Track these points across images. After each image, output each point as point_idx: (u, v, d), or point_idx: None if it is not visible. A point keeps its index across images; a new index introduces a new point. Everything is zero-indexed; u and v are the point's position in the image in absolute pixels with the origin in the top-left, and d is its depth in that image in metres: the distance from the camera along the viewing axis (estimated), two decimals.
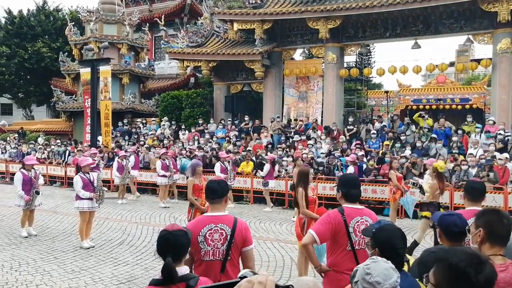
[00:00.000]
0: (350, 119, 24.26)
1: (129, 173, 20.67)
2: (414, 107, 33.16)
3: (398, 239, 3.74)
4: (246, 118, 26.60)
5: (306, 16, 24.07)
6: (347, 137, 22.35)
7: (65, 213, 16.95)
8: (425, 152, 18.94)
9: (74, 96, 35.38)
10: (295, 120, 25.62)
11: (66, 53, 35.54)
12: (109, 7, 33.68)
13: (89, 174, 12.15)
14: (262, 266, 10.21)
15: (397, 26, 23.73)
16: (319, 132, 22.94)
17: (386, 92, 33.96)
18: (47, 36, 43.61)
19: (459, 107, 32.72)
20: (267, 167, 18.87)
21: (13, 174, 14.69)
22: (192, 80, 35.33)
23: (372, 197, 17.49)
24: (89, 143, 25.06)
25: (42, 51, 41.95)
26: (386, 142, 20.51)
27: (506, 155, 16.75)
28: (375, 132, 21.84)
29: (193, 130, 26.67)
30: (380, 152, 19.81)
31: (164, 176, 19.51)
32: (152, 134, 27.85)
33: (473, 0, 20.77)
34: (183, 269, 3.65)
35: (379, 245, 3.74)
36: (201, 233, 4.70)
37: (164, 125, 28.38)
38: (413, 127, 21.57)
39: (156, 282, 3.53)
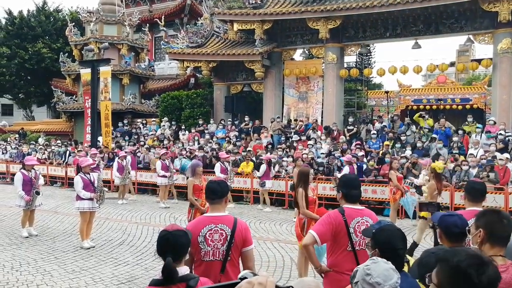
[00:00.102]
0: (350, 119, 24.24)
1: (129, 173, 20.69)
2: (415, 107, 33.14)
3: (398, 239, 3.73)
4: (246, 118, 26.60)
5: (306, 16, 24.06)
6: (347, 138, 22.34)
7: (66, 213, 16.95)
8: (425, 152, 18.93)
9: (74, 96, 35.42)
10: (295, 120, 25.61)
11: (67, 53, 35.55)
12: (109, 7, 33.70)
13: (89, 174, 12.16)
14: (262, 266, 10.20)
15: (397, 26, 23.72)
16: (319, 133, 22.94)
17: (387, 92, 33.93)
18: (47, 37, 43.66)
19: (460, 107, 32.71)
20: (263, 167, 18.87)
21: (14, 174, 14.68)
22: (192, 80, 35.35)
23: (372, 198, 17.48)
24: (90, 144, 25.05)
25: (42, 52, 41.98)
26: (386, 142, 20.49)
27: (506, 155, 16.72)
28: (375, 132, 21.82)
29: (193, 131, 26.66)
30: (380, 152, 19.82)
31: (164, 176, 19.50)
32: (152, 134, 27.85)
33: (474, 0, 20.77)
34: (183, 270, 3.65)
35: (379, 245, 3.74)
36: (201, 234, 4.71)
37: (164, 125, 28.39)
38: (413, 127, 21.55)
39: (156, 282, 3.53)
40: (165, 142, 25.39)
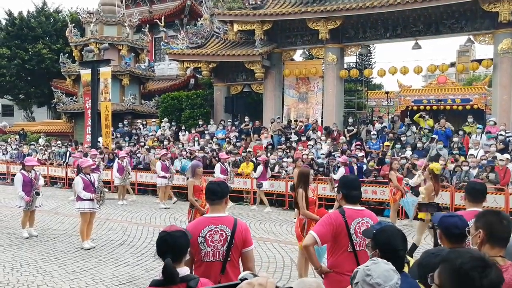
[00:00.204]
0: (350, 119, 24.22)
1: (129, 174, 20.70)
2: (415, 107, 33.10)
3: (398, 240, 3.73)
4: (246, 119, 26.59)
5: (306, 17, 24.06)
6: (347, 138, 22.33)
7: (66, 214, 16.97)
8: (425, 153, 18.90)
9: (74, 97, 35.43)
10: (295, 121, 25.60)
11: (67, 54, 35.61)
12: (109, 8, 33.74)
13: (90, 175, 12.17)
14: (262, 267, 10.21)
15: (397, 26, 23.71)
16: (319, 133, 22.93)
17: (387, 92, 33.90)
18: (47, 38, 43.66)
19: (460, 107, 32.67)
20: (260, 168, 18.88)
21: (14, 175, 14.67)
22: (192, 81, 35.37)
23: (373, 198, 17.47)
24: (90, 144, 25.07)
25: (42, 53, 41.99)
26: (386, 143, 20.49)
27: (507, 155, 16.70)
28: (375, 133, 21.82)
29: (193, 131, 26.68)
30: (380, 153, 19.81)
31: (164, 177, 19.50)
32: (152, 135, 27.88)
33: (474, 0, 20.76)
34: (183, 270, 3.66)
35: (379, 246, 3.74)
36: (201, 234, 4.71)
37: (164, 126, 28.40)
38: (413, 128, 21.54)
39: (156, 283, 3.53)
40: (165, 142, 25.40)
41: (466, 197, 5.76)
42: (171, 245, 3.67)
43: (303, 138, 22.70)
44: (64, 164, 25.51)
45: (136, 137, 28.42)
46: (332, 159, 19.42)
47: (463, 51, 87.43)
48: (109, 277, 9.53)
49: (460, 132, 20.39)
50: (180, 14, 38.87)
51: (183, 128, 27.89)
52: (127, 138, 28.22)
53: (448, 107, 33.19)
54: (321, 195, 17.40)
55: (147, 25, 36.25)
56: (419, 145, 19.61)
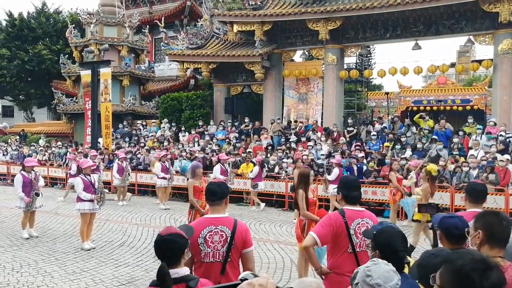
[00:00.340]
0: (350, 120, 24.22)
1: (129, 175, 20.71)
2: (415, 108, 33.08)
3: (398, 241, 3.73)
4: (246, 119, 26.60)
5: (306, 18, 24.07)
6: (347, 139, 22.32)
7: (66, 214, 16.96)
8: (425, 153, 18.89)
9: (74, 98, 35.44)
10: (295, 121, 25.59)
11: (67, 55, 35.67)
12: (109, 9, 33.77)
13: (90, 176, 12.18)
14: (262, 267, 10.20)
15: (397, 27, 23.71)
16: (319, 134, 22.92)
17: (387, 93, 33.88)
18: (47, 39, 43.63)
19: (460, 108, 32.66)
20: (256, 169, 18.89)
21: (15, 176, 14.67)
22: (192, 82, 35.37)
23: (373, 199, 17.47)
24: (90, 145, 25.09)
25: (42, 54, 41.98)
26: (386, 144, 20.48)
27: (507, 156, 16.68)
28: (375, 133, 21.83)
29: (193, 132, 26.69)
30: (380, 153, 19.79)
31: (164, 178, 19.50)
32: (152, 136, 27.90)
33: (474, 1, 20.76)
34: (183, 270, 3.66)
35: (379, 247, 3.74)
36: (201, 235, 4.71)
37: (164, 127, 28.41)
38: (413, 129, 21.52)
39: (156, 283, 3.53)
40: (165, 143, 25.42)
41: (467, 198, 5.75)
42: (163, 250, 3.67)
43: (303, 139, 22.68)
44: (64, 165, 25.49)
45: (136, 138, 28.44)
46: (332, 160, 19.42)
47: (463, 52, 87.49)
48: (109, 277, 9.53)
49: (460, 133, 20.38)
50: (180, 15, 38.88)
51: (183, 129, 27.90)
52: (127, 139, 28.23)
53: (448, 108, 33.18)
54: (321, 196, 17.37)
55: (147, 26, 36.24)
56: (419, 145, 19.61)
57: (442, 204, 15.16)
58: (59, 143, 29.40)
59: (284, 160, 20.47)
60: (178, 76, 34.01)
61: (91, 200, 11.95)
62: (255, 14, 25.07)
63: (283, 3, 25.50)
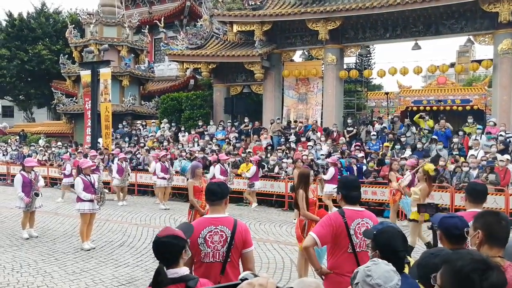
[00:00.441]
0: (350, 120, 24.23)
1: (128, 175, 20.72)
2: (415, 108, 33.07)
3: (399, 241, 3.72)
4: (246, 119, 26.61)
5: (306, 18, 24.07)
6: (347, 139, 22.32)
7: (66, 214, 16.97)
8: (425, 153, 18.90)
9: (74, 98, 35.45)
10: (295, 121, 25.58)
11: (67, 55, 35.68)
12: (109, 9, 33.77)
13: (90, 176, 12.18)
14: (262, 268, 10.20)
15: (397, 27, 23.71)
16: (318, 134, 22.92)
17: (386, 93, 33.90)
18: (47, 39, 43.61)
19: (460, 108, 32.65)
20: (253, 168, 18.88)
21: (15, 176, 14.68)
22: (192, 82, 35.39)
23: (372, 199, 17.47)
24: (90, 145, 25.09)
25: (42, 54, 41.98)
26: (386, 144, 20.47)
27: (507, 156, 16.68)
28: (375, 133, 21.84)
29: (193, 132, 26.69)
30: (380, 153, 19.79)
31: (163, 178, 19.50)
32: (152, 136, 27.91)
33: (474, 1, 20.76)
34: (182, 270, 3.66)
35: (380, 247, 3.74)
36: (201, 235, 4.71)
37: (164, 127, 28.41)
38: (413, 129, 21.50)
39: None
40: (165, 143, 25.42)
41: (467, 198, 5.75)
42: (162, 251, 3.68)
43: (303, 139, 22.68)
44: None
45: (136, 138, 28.45)
46: None
47: (463, 52, 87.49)
48: (109, 278, 9.53)
49: (460, 133, 20.37)
50: (179, 15, 38.90)
51: (182, 129, 27.88)
52: (127, 139, 28.23)
53: (448, 108, 33.16)
54: (321, 196, 17.37)
55: (147, 26, 36.23)
56: (419, 145, 19.60)
57: (442, 204, 15.16)
58: (59, 143, 29.42)
59: (284, 160, 20.46)
60: (177, 76, 34.05)
61: (91, 200, 11.96)
62: (255, 14, 25.07)
63: (282, 3, 25.50)
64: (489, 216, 3.62)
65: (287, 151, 21.49)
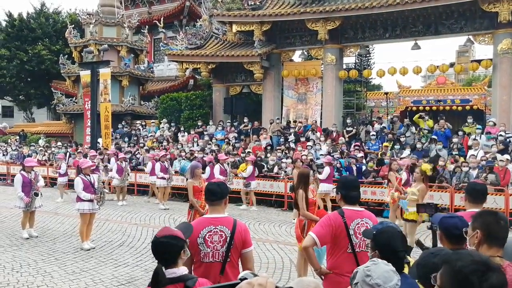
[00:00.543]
0: (349, 120, 24.24)
1: (128, 175, 20.72)
2: (414, 108, 33.01)
3: (398, 241, 3.72)
4: (245, 120, 26.62)
5: (305, 18, 24.06)
6: (346, 139, 22.33)
7: (66, 214, 16.98)
8: (425, 153, 18.89)
9: (74, 98, 35.47)
10: (294, 121, 25.58)
11: (66, 55, 35.70)
12: (109, 9, 33.77)
13: (89, 176, 12.18)
14: (262, 268, 10.20)
15: (396, 27, 23.71)
16: (318, 134, 22.92)
17: (386, 93, 33.90)
18: (47, 39, 43.64)
19: (460, 108, 32.58)
20: (250, 168, 18.89)
21: (14, 176, 14.69)
22: (191, 82, 35.38)
23: (372, 199, 17.47)
24: (89, 145, 25.10)
25: (42, 54, 41.99)
26: (385, 144, 20.45)
27: (507, 156, 16.68)
28: (374, 133, 21.84)
29: (192, 132, 26.68)
30: (380, 153, 19.79)
31: (163, 178, 19.50)
32: (151, 136, 27.92)
33: (474, 1, 20.76)
34: (180, 270, 3.67)
35: (379, 247, 3.74)
36: (200, 235, 4.72)
37: (163, 127, 28.39)
38: (413, 129, 21.50)
39: None
40: (164, 143, 25.43)
41: (466, 198, 5.75)
42: (160, 252, 3.69)
43: (302, 139, 22.68)
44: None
45: (135, 138, 28.46)
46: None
47: (462, 52, 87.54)
48: (108, 277, 9.53)
49: (460, 133, 20.36)
50: (179, 15, 38.90)
51: (182, 129, 27.88)
52: (126, 139, 28.24)
53: (447, 108, 33.11)
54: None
55: (146, 26, 36.20)
56: (418, 145, 19.57)
57: (442, 204, 15.16)
58: (59, 143, 29.45)
59: (283, 160, 20.47)
60: (177, 76, 34.05)
61: (91, 200, 11.96)
62: (254, 14, 25.07)
63: (282, 3, 25.50)
64: (488, 216, 3.62)
65: (287, 151, 21.49)
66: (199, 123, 27.66)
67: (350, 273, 3.31)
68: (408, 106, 34.33)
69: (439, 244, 4.32)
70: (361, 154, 19.61)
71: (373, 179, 17.95)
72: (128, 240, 13.02)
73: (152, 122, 30.25)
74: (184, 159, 21.37)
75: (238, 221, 4.97)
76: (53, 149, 27.98)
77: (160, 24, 31.80)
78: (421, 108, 32.41)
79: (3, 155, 30.14)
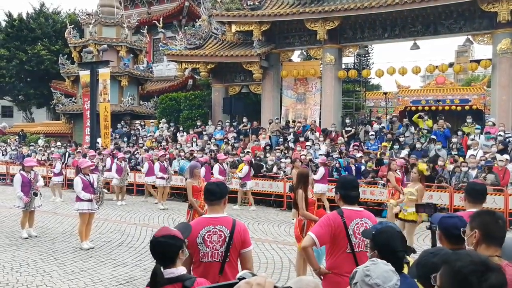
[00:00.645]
0: (348, 120, 24.26)
1: (127, 174, 20.72)
2: (413, 108, 33.03)
3: (397, 241, 3.71)
4: (244, 119, 26.64)
5: (304, 18, 24.07)
6: (345, 139, 22.34)
7: (65, 214, 16.97)
8: (424, 153, 18.89)
9: (73, 98, 35.52)
10: (293, 121, 25.60)
11: (66, 55, 35.71)
12: (108, 9, 33.78)
13: (89, 175, 12.19)
14: (261, 267, 10.20)
15: (395, 27, 23.71)
16: (317, 134, 22.92)
17: (385, 93, 33.90)
18: (46, 39, 43.61)
19: (459, 108, 32.60)
20: (245, 168, 18.92)
21: (14, 175, 14.70)
22: (190, 82, 35.41)
23: (371, 199, 17.47)
24: (89, 145, 25.11)
25: (41, 54, 41.97)
26: (384, 144, 20.43)
27: (506, 156, 16.69)
28: (373, 133, 21.84)
29: (191, 132, 26.69)
30: (379, 153, 19.79)
31: (162, 178, 19.50)
32: (150, 136, 27.93)
33: (473, 0, 20.76)
34: (179, 270, 3.67)
35: (378, 247, 3.73)
36: (199, 235, 4.72)
37: (162, 127, 28.39)
38: (412, 129, 21.50)
39: None
40: (163, 143, 25.43)
41: (466, 198, 5.74)
42: (157, 252, 3.69)
43: (301, 139, 22.70)
44: (63, 165, 25.53)
45: (134, 138, 28.47)
46: (330, 159, 19.43)
47: (461, 52, 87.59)
48: (107, 277, 9.53)
49: (459, 133, 20.36)
50: (178, 15, 38.93)
51: (181, 129, 27.88)
52: (125, 139, 28.25)
53: (446, 108, 33.12)
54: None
55: (146, 26, 36.19)
56: (417, 145, 19.58)
57: (441, 204, 15.16)
58: (58, 143, 29.46)
59: (282, 160, 20.48)
60: (176, 76, 34.06)
61: (90, 200, 11.97)
62: (253, 14, 25.08)
63: (281, 3, 25.50)
64: (486, 216, 3.62)
65: (286, 151, 21.50)
66: (198, 123, 27.66)
67: (349, 273, 3.31)
68: (407, 106, 34.33)
69: (439, 244, 4.32)
70: (360, 154, 19.61)
71: (372, 179, 17.95)
72: (127, 240, 13.02)
73: (151, 122, 30.25)
74: (183, 159, 21.37)
75: (237, 221, 4.97)
76: (52, 149, 27.98)
77: (159, 24, 31.83)
78: (420, 108, 32.41)
79: (3, 155, 30.16)
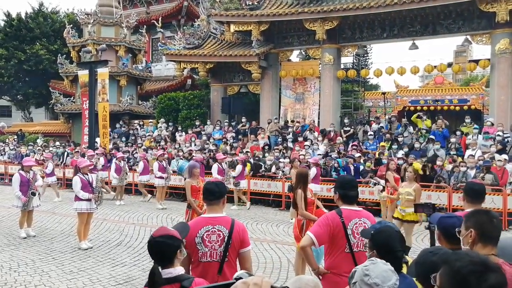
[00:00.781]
0: (347, 120, 24.27)
1: (126, 174, 20.72)
2: (412, 108, 33.02)
3: (396, 241, 3.71)
4: (243, 119, 26.63)
5: (303, 18, 24.07)
6: (344, 139, 22.35)
7: (64, 214, 16.96)
8: (422, 153, 18.89)
9: (72, 98, 35.49)
10: (292, 121, 25.60)
11: (64, 55, 35.66)
12: (107, 9, 33.76)
13: (88, 175, 12.18)
14: (259, 267, 10.21)
15: (394, 26, 23.72)
16: (316, 134, 22.93)
17: (384, 93, 33.86)
18: (45, 39, 43.61)
19: (457, 108, 32.60)
20: (239, 167, 18.96)
21: (12, 175, 14.70)
22: (189, 81, 35.39)
23: (369, 199, 17.47)
24: (87, 145, 25.09)
25: (40, 53, 41.96)
26: (383, 144, 20.42)
27: (505, 156, 16.70)
28: (372, 133, 21.85)
29: (190, 132, 26.68)
30: (377, 153, 19.80)
31: (161, 177, 19.50)
32: (149, 135, 27.92)
33: (471, 1, 20.77)
34: (177, 270, 3.66)
35: (377, 247, 3.73)
36: (198, 235, 4.71)
37: (161, 126, 28.38)
38: (410, 128, 21.53)
39: None
40: (162, 143, 25.42)
41: (465, 198, 5.73)
42: (155, 252, 3.68)
43: (300, 139, 22.69)
44: (62, 164, 25.53)
45: (133, 138, 28.46)
46: (329, 159, 19.44)
47: (460, 52, 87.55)
48: (106, 277, 9.52)
49: (458, 133, 20.38)
50: (177, 15, 38.94)
51: (180, 128, 27.87)
52: (124, 139, 28.25)
53: (445, 108, 33.12)
54: (319, 195, 17.36)
55: (144, 26, 36.25)
56: (416, 145, 19.58)
57: (440, 204, 15.15)
58: (57, 143, 29.44)
59: (281, 160, 20.47)
60: (175, 76, 34.12)
61: (89, 200, 11.96)
62: (252, 14, 25.08)
63: (280, 3, 25.50)
64: (481, 215, 3.62)
65: (284, 151, 21.49)
66: (197, 123, 27.66)
67: (348, 273, 3.31)
68: (405, 106, 34.31)
69: (437, 244, 4.32)
70: (358, 154, 19.60)
71: (371, 179, 17.94)
72: (126, 240, 13.01)
73: (150, 122, 30.27)
74: (181, 158, 21.36)
75: (236, 220, 4.96)
76: (51, 148, 27.98)
77: (158, 24, 31.90)
78: (419, 108, 32.40)
79: (1, 154, 30.15)
